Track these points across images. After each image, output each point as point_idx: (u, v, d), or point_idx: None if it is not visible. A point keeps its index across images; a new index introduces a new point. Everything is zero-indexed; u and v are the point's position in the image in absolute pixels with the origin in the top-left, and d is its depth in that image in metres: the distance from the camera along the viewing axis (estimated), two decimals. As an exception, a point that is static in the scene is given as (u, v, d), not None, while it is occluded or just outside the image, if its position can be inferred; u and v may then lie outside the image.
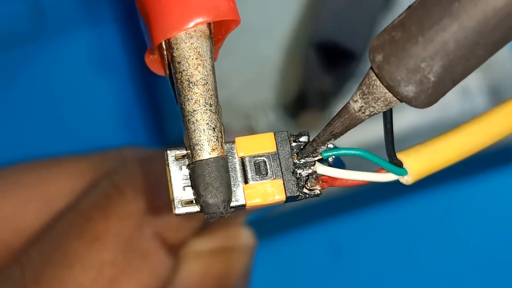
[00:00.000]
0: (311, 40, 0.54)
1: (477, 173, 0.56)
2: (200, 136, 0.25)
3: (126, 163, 0.38)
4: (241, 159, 0.26)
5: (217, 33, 0.26)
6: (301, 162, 0.26)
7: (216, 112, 0.25)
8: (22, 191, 0.39)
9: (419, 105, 0.23)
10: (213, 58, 0.26)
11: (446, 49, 0.22)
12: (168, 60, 0.26)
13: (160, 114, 0.56)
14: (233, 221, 0.41)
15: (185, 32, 0.25)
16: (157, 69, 0.27)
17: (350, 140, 0.49)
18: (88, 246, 0.35)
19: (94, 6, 0.57)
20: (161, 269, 0.36)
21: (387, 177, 0.25)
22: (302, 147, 0.26)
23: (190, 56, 0.25)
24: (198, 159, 0.25)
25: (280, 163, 0.26)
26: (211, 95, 0.25)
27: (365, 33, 0.53)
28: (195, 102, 0.25)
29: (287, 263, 0.55)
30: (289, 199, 0.26)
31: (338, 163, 0.26)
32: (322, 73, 0.53)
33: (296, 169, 0.26)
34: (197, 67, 0.25)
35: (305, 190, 0.26)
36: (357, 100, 0.24)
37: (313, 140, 0.25)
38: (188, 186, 0.25)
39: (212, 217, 0.25)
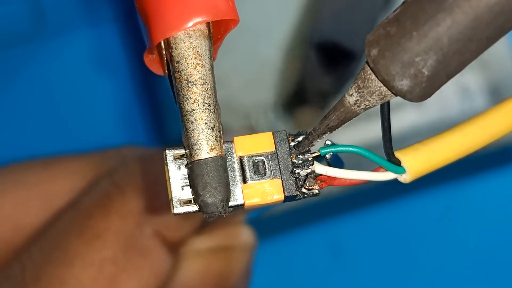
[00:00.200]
0: (311, 40, 0.54)
1: (477, 173, 0.56)
2: (198, 135, 0.25)
3: (126, 162, 0.38)
4: (240, 158, 0.26)
5: (216, 32, 0.26)
6: (300, 162, 0.26)
7: (214, 111, 0.25)
8: (22, 189, 0.39)
9: (413, 98, 0.23)
10: (212, 57, 0.26)
11: (440, 44, 0.22)
12: (167, 59, 0.26)
13: (160, 114, 0.56)
14: (232, 220, 0.41)
15: (184, 32, 0.25)
16: (156, 68, 0.28)
17: (349, 139, 0.49)
18: (88, 244, 0.35)
19: (94, 6, 0.57)
20: (161, 267, 0.36)
21: (385, 176, 0.26)
22: (302, 139, 0.26)
23: (189, 55, 0.25)
24: (196, 159, 0.25)
25: (278, 162, 0.26)
26: (210, 94, 0.25)
27: (365, 33, 0.53)
28: (194, 102, 0.25)
29: (287, 263, 0.55)
30: (287, 198, 0.26)
31: (337, 163, 0.26)
32: (321, 73, 0.53)
33: (294, 169, 0.26)
34: (196, 66, 0.25)
35: (303, 190, 0.26)
36: (352, 94, 0.24)
37: (309, 134, 0.26)
38: (186, 185, 0.25)
39: (211, 217, 0.25)
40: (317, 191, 0.26)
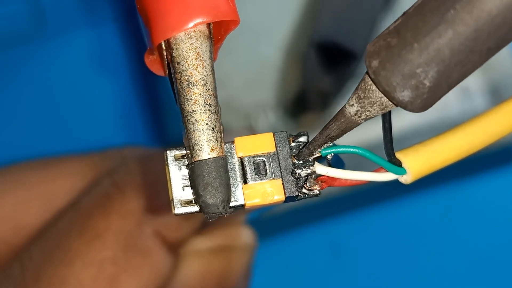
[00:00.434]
0: (311, 40, 0.54)
1: (477, 173, 0.56)
2: (199, 136, 0.25)
3: (126, 162, 0.38)
4: (241, 159, 0.26)
5: (216, 33, 0.26)
6: (300, 162, 0.26)
7: (215, 112, 0.25)
8: (22, 189, 0.39)
9: (414, 109, 0.23)
10: (213, 58, 0.26)
11: (441, 56, 0.22)
12: (167, 60, 0.26)
13: (160, 114, 0.56)
14: (233, 220, 0.41)
15: (185, 33, 0.25)
16: (157, 69, 0.28)
17: (349, 139, 0.49)
18: (88, 244, 0.35)
19: (94, 6, 0.57)
20: (161, 267, 0.36)
21: (386, 176, 0.26)
22: (301, 147, 0.26)
23: (189, 56, 0.25)
24: (197, 159, 0.25)
25: (279, 163, 0.26)
26: (211, 95, 0.25)
27: (365, 34, 0.53)
28: (195, 102, 0.25)
29: (287, 263, 0.55)
30: (288, 199, 0.26)
31: (338, 163, 0.26)
32: (322, 73, 0.53)
33: (295, 169, 0.26)
34: (197, 67, 0.25)
35: (304, 190, 0.26)
36: (353, 104, 0.24)
37: (309, 143, 0.26)
38: (187, 186, 0.25)
39: (211, 217, 0.25)
40: (317, 192, 0.26)
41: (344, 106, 0.24)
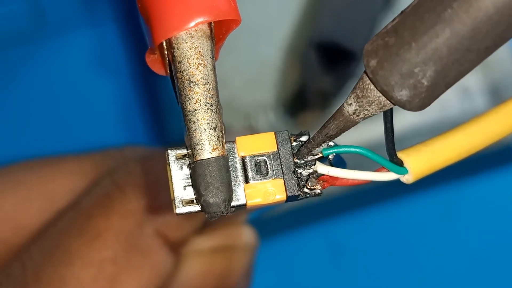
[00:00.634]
0: (311, 40, 0.54)
1: (477, 173, 0.56)
2: (201, 135, 0.25)
3: (127, 162, 0.38)
4: (242, 158, 0.26)
5: (217, 32, 0.26)
6: (302, 162, 0.26)
7: (217, 111, 0.25)
8: (22, 189, 0.39)
9: (412, 108, 0.23)
10: (214, 57, 0.26)
11: (439, 55, 0.22)
12: (168, 59, 0.26)
13: (161, 114, 0.56)
14: (234, 220, 0.41)
15: (186, 32, 0.25)
16: (158, 68, 0.28)
17: (350, 139, 0.49)
18: (89, 244, 0.35)
19: (94, 6, 0.57)
20: (161, 267, 0.36)
21: (387, 176, 0.26)
22: (301, 147, 0.26)
23: (191, 55, 0.25)
24: (199, 159, 0.25)
25: (280, 162, 0.26)
26: (212, 94, 0.25)
27: (365, 33, 0.53)
28: (196, 102, 0.25)
29: (287, 263, 0.55)
30: (289, 198, 0.26)
31: (339, 163, 0.26)
32: (322, 73, 0.53)
33: (296, 169, 0.26)
34: (198, 66, 0.25)
35: (305, 190, 0.26)
36: (351, 103, 0.24)
37: (308, 142, 0.26)
38: (189, 185, 0.25)
39: (213, 217, 0.25)
40: (319, 191, 0.26)
41: (342, 105, 0.24)
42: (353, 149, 0.25)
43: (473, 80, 0.55)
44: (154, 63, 0.27)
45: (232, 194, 0.25)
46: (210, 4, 0.25)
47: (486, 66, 0.55)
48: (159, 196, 0.36)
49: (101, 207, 0.36)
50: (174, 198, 0.25)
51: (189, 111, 0.25)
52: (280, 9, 0.56)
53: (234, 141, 0.26)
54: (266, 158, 0.26)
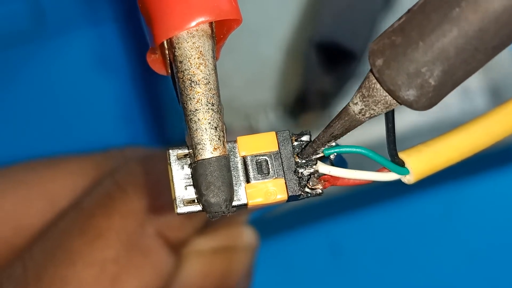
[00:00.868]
0: (311, 40, 0.54)
1: (477, 173, 0.56)
2: (202, 135, 0.25)
3: (128, 162, 0.38)
4: (243, 158, 0.26)
5: (218, 32, 0.26)
6: (303, 162, 0.26)
7: (218, 111, 0.25)
8: (23, 189, 0.39)
9: (419, 108, 0.23)
10: (215, 57, 0.26)
11: (446, 54, 0.22)
12: (170, 59, 0.26)
13: (161, 113, 0.56)
14: (235, 220, 0.41)
15: (187, 32, 0.25)
16: (159, 68, 0.28)
17: (352, 139, 0.49)
18: (90, 244, 0.35)
19: (94, 6, 0.57)
20: (163, 267, 0.36)
21: (389, 176, 0.26)
22: (303, 146, 0.26)
23: (192, 55, 0.25)
24: (200, 158, 0.25)
25: (282, 162, 0.26)
26: (213, 94, 0.25)
27: (365, 33, 0.53)
28: (197, 102, 0.25)
29: (287, 262, 0.55)
30: (291, 198, 0.26)
31: (340, 163, 0.26)
32: (322, 73, 0.53)
33: (298, 168, 0.26)
34: (199, 66, 0.25)
35: (307, 190, 0.26)
36: (357, 102, 0.24)
37: (313, 142, 0.26)
38: (190, 185, 0.25)
39: (214, 216, 0.25)
40: (320, 191, 0.26)
41: (348, 104, 0.24)
42: (354, 149, 0.25)
43: (473, 80, 0.55)
44: (155, 63, 0.27)
45: (233, 194, 0.25)
46: (212, 4, 0.25)
47: (486, 66, 0.55)
48: (160, 196, 0.36)
49: (102, 207, 0.36)
50: (175, 197, 0.25)
51: (190, 111, 0.25)
52: (280, 9, 0.56)
53: (235, 141, 0.26)
54: (267, 158, 0.26)
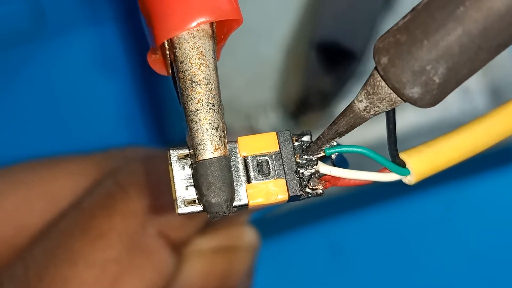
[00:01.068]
0: (311, 41, 0.54)
1: (477, 173, 0.56)
2: (202, 135, 0.25)
3: (129, 162, 0.38)
4: (244, 158, 0.26)
5: (219, 32, 0.26)
6: (304, 162, 0.26)
7: (219, 111, 0.25)
8: (24, 189, 0.39)
9: (423, 105, 0.23)
10: (216, 57, 0.26)
11: (451, 53, 0.22)
12: (170, 59, 0.26)
13: (162, 114, 0.56)
14: (236, 220, 0.41)
15: (188, 32, 0.25)
16: (160, 68, 0.27)
17: (352, 139, 0.49)
18: (91, 244, 0.35)
19: (95, 6, 0.57)
20: (164, 267, 0.36)
21: (390, 177, 0.26)
22: (305, 146, 0.26)
23: (192, 55, 0.25)
24: (201, 159, 0.25)
25: (282, 162, 0.26)
26: (214, 94, 0.25)
27: (365, 34, 0.54)
28: (198, 102, 0.25)
29: (287, 263, 0.55)
30: (291, 198, 0.26)
31: (341, 163, 0.26)
32: (322, 73, 0.53)
33: (298, 169, 0.26)
34: (200, 66, 0.25)
35: (307, 190, 0.26)
36: (362, 100, 0.24)
37: (317, 139, 0.26)
38: (191, 185, 0.25)
39: (215, 217, 0.25)
40: (321, 191, 0.26)
41: (353, 101, 0.24)
42: (355, 149, 0.25)
43: (473, 80, 0.55)
44: (155, 63, 0.27)
45: (234, 194, 0.25)
46: (212, 4, 0.25)
47: (486, 66, 0.55)
48: (161, 196, 0.36)
49: (103, 207, 0.36)
50: (176, 198, 0.25)
51: (191, 111, 0.25)
52: (280, 9, 0.56)
53: (236, 141, 0.26)
54: (268, 158, 0.26)
